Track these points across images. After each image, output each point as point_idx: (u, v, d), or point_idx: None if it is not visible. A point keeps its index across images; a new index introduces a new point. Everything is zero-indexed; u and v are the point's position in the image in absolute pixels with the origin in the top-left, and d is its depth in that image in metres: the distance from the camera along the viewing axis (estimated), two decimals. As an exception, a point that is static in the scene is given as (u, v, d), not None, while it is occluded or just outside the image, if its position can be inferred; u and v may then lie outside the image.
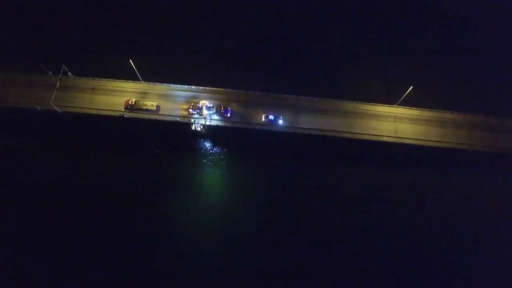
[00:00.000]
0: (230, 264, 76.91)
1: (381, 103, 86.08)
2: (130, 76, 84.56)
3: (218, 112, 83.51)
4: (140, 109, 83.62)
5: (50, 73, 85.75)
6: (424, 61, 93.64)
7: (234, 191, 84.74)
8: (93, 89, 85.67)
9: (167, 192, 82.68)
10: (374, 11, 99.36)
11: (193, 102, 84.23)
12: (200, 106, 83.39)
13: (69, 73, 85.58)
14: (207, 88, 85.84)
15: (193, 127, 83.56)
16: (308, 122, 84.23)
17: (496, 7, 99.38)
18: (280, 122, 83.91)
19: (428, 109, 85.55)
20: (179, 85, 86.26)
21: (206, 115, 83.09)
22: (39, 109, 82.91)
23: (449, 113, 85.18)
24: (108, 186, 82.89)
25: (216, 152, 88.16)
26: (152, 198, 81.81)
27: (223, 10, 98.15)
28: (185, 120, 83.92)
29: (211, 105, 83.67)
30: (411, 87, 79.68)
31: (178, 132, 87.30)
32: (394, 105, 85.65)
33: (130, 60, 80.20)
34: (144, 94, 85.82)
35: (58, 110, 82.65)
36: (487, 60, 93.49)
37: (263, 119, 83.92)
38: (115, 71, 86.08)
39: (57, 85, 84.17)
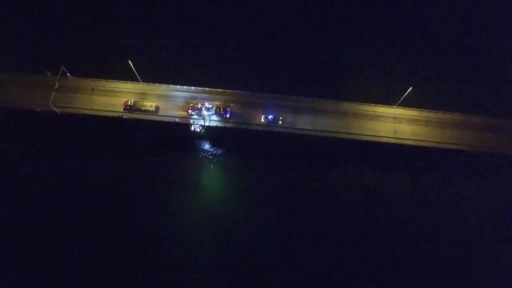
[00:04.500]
0: (229, 263, 76.89)
1: (381, 104, 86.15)
2: (129, 77, 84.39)
3: (217, 112, 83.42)
4: (139, 110, 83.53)
5: (49, 73, 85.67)
6: (424, 61, 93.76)
7: (233, 192, 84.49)
8: (92, 89, 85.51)
9: (166, 192, 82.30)
10: (373, 11, 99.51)
11: (192, 103, 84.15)
12: (199, 107, 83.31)
13: (68, 74, 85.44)
14: (206, 89, 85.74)
15: (192, 128, 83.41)
16: (308, 123, 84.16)
17: (496, 8, 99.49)
18: (280, 123, 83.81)
19: (427, 110, 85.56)
20: (178, 86, 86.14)
21: (205, 116, 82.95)
22: (37, 109, 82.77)
23: (449, 113, 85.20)
24: (107, 186, 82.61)
25: (216, 153, 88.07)
26: (151, 198, 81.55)
27: (222, 11, 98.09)
28: (184, 121, 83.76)
29: (210, 106, 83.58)
30: (411, 87, 79.73)
31: (177, 133, 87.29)
32: (394, 106, 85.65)
33: (129, 61, 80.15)
34: (143, 95, 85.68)
35: (57, 110, 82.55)
36: (486, 61, 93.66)
37: (262, 120, 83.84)
38: (114, 72, 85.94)
39: (56, 86, 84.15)
